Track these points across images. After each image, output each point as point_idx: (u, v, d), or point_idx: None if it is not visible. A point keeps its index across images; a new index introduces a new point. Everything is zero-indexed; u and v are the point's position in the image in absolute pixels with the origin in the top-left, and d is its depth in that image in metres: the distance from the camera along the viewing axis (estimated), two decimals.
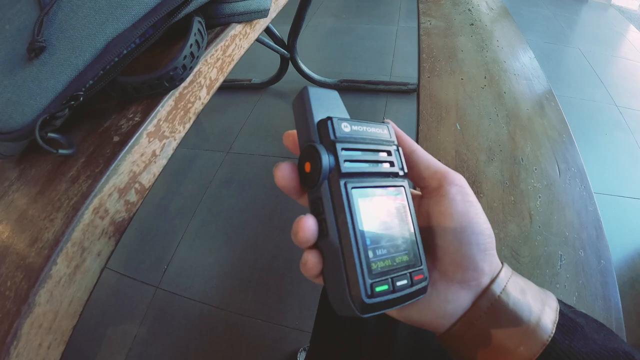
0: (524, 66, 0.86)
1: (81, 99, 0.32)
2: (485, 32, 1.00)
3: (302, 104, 0.21)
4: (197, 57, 0.40)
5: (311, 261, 0.19)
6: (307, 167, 0.20)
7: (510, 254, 0.47)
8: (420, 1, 1.18)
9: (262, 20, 0.55)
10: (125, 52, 0.34)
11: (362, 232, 0.19)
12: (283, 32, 1.62)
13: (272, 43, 1.59)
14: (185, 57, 0.37)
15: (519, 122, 0.69)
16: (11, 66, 0.31)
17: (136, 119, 0.35)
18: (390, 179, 0.21)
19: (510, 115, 0.71)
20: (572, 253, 0.48)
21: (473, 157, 0.62)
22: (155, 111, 0.36)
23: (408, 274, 0.19)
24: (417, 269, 0.20)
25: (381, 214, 0.20)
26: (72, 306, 0.28)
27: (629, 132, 1.57)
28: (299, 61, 1.72)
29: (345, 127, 0.20)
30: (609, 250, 0.49)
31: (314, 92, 0.21)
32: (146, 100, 0.36)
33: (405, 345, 0.40)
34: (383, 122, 0.22)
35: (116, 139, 0.33)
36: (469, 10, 1.12)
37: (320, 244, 0.20)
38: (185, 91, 0.40)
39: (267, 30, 1.53)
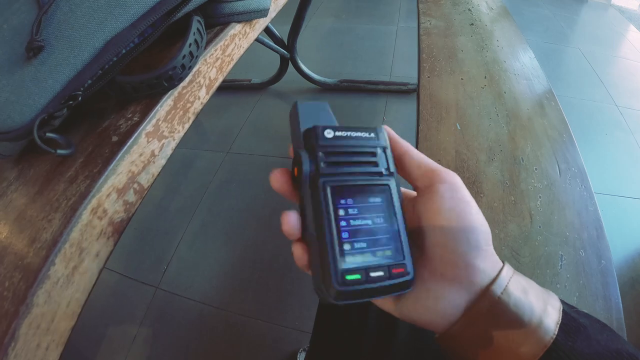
0: (524, 66, 0.86)
1: (80, 98, 0.32)
2: (485, 32, 1.00)
3: (293, 117, 0.24)
4: (196, 56, 0.39)
5: (296, 252, 0.22)
6: (296, 171, 0.23)
7: (510, 254, 0.47)
8: (420, 1, 1.17)
9: (261, 19, 0.55)
10: (124, 51, 0.34)
11: (338, 226, 0.20)
12: (283, 32, 1.61)
13: (271, 43, 1.59)
14: (184, 56, 0.37)
15: (519, 122, 0.69)
16: (9, 66, 0.31)
17: (135, 118, 0.35)
18: (374, 178, 0.22)
19: (510, 115, 0.71)
20: (573, 253, 0.48)
21: (473, 157, 0.62)
22: (154, 111, 0.36)
23: (386, 267, 0.20)
24: (398, 263, 0.21)
25: (361, 210, 0.21)
26: (71, 307, 0.28)
27: (629, 132, 1.57)
28: (299, 61, 1.72)
29: (329, 134, 0.22)
30: (610, 250, 0.49)
31: (303, 106, 0.25)
32: (145, 100, 0.36)
33: (406, 345, 0.40)
34: (374, 127, 0.24)
35: (115, 139, 0.33)
36: (469, 10, 1.12)
37: (304, 237, 0.22)
38: (185, 91, 0.40)
39: (267, 30, 1.53)
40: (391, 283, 0.20)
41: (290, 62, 1.72)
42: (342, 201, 0.21)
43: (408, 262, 0.21)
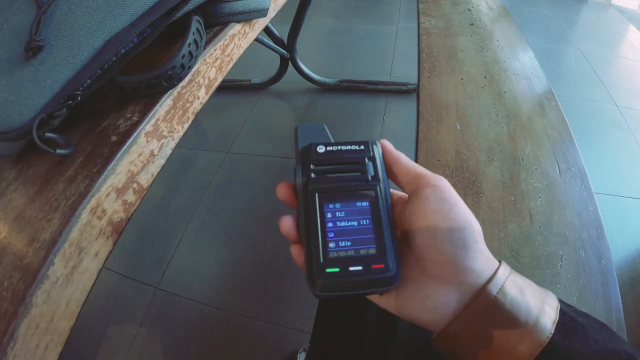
0: (524, 66, 0.85)
1: (79, 98, 0.32)
2: (485, 32, 1.00)
3: (295, 138, 0.28)
4: (196, 56, 0.39)
5: (294, 253, 0.25)
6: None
7: (510, 254, 0.47)
8: (420, 1, 1.17)
9: (261, 19, 0.55)
10: (123, 51, 0.34)
11: (324, 227, 0.23)
12: (283, 32, 1.61)
13: (271, 43, 1.59)
14: (183, 56, 0.37)
15: (519, 122, 0.69)
16: (9, 65, 0.31)
17: (134, 118, 0.34)
18: (360, 184, 0.25)
19: (510, 115, 0.71)
20: (573, 253, 0.48)
21: (473, 157, 0.62)
22: (154, 111, 0.35)
23: (365, 263, 0.22)
24: (378, 260, 0.22)
25: (347, 213, 0.24)
26: (70, 307, 0.28)
27: (629, 132, 1.57)
28: (299, 61, 1.72)
29: (321, 149, 0.25)
30: (610, 250, 0.49)
31: (302, 128, 0.28)
32: (144, 100, 0.36)
33: (405, 344, 0.40)
34: (365, 140, 0.26)
35: (114, 138, 0.33)
36: (469, 10, 1.12)
37: (300, 238, 0.25)
38: (184, 91, 0.40)
39: (267, 30, 1.53)
40: (370, 278, 0.22)
41: (290, 62, 1.72)
42: (330, 205, 0.24)
43: (390, 259, 0.22)
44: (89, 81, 0.32)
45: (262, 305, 1.05)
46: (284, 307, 1.04)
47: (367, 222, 0.23)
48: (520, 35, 0.99)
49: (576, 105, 1.72)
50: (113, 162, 0.31)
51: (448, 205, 0.23)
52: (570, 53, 2.14)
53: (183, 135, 0.41)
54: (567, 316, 0.22)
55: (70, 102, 0.31)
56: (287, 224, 0.25)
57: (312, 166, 0.25)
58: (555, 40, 2.25)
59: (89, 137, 0.33)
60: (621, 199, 1.30)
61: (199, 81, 0.42)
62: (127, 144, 0.32)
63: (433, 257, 0.23)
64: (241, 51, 0.52)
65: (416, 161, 0.61)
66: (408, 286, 0.24)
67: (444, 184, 0.24)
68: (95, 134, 0.34)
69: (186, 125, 0.41)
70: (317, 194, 0.24)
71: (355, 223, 0.23)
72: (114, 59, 0.34)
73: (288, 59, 1.70)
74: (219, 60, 0.46)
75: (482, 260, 0.23)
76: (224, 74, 0.48)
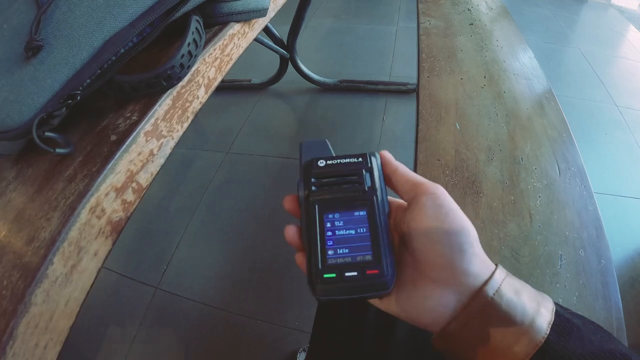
0: (523, 66, 0.86)
1: (78, 97, 0.32)
2: (484, 31, 1.00)
3: (299, 154, 0.29)
4: (195, 56, 0.39)
5: (298, 260, 0.26)
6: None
7: (510, 254, 0.47)
8: (420, 1, 1.17)
9: (260, 19, 0.55)
10: (122, 50, 0.34)
11: (323, 235, 0.25)
12: (282, 32, 1.61)
13: (271, 43, 1.59)
14: (183, 55, 0.37)
15: (518, 121, 0.69)
16: (9, 65, 0.31)
17: (134, 118, 0.35)
18: (358, 194, 0.26)
19: (510, 114, 0.71)
20: (573, 253, 0.48)
21: (473, 156, 0.62)
22: (153, 110, 0.36)
23: (360, 269, 0.23)
24: (373, 266, 0.23)
25: (346, 222, 0.25)
26: (69, 306, 0.28)
27: (629, 132, 1.57)
28: (299, 61, 1.72)
29: (321, 164, 0.27)
30: (609, 249, 0.49)
31: (306, 144, 0.30)
32: (144, 99, 0.36)
33: (404, 345, 0.40)
34: (364, 153, 0.28)
35: (113, 138, 0.33)
36: (469, 10, 1.12)
37: (303, 245, 0.26)
38: (183, 90, 0.40)
39: (267, 30, 1.53)
40: (366, 283, 0.23)
41: (290, 62, 1.72)
42: (329, 215, 0.25)
43: (386, 265, 0.23)
44: (88, 81, 0.32)
45: (262, 305, 1.05)
46: (284, 307, 1.04)
47: (364, 230, 0.25)
48: (520, 35, 0.99)
49: (576, 105, 1.72)
50: (112, 162, 0.31)
51: (444, 211, 0.24)
52: (570, 53, 2.14)
53: (182, 135, 0.41)
54: (563, 318, 0.22)
55: (69, 101, 0.31)
56: (291, 232, 0.26)
57: (312, 179, 0.27)
58: (555, 40, 2.25)
59: (89, 137, 0.33)
60: (621, 199, 1.30)
61: (198, 81, 0.42)
62: (127, 143, 0.32)
63: (431, 260, 0.23)
64: (241, 51, 0.52)
65: (416, 161, 0.62)
66: (408, 288, 0.24)
67: (441, 192, 0.25)
68: (95, 134, 0.34)
69: (185, 125, 0.41)
70: (317, 205, 0.26)
71: (353, 231, 0.25)
72: (114, 58, 0.34)
73: (288, 59, 1.70)
74: (218, 60, 0.46)
75: (479, 263, 0.23)
76: (224, 73, 0.48)
